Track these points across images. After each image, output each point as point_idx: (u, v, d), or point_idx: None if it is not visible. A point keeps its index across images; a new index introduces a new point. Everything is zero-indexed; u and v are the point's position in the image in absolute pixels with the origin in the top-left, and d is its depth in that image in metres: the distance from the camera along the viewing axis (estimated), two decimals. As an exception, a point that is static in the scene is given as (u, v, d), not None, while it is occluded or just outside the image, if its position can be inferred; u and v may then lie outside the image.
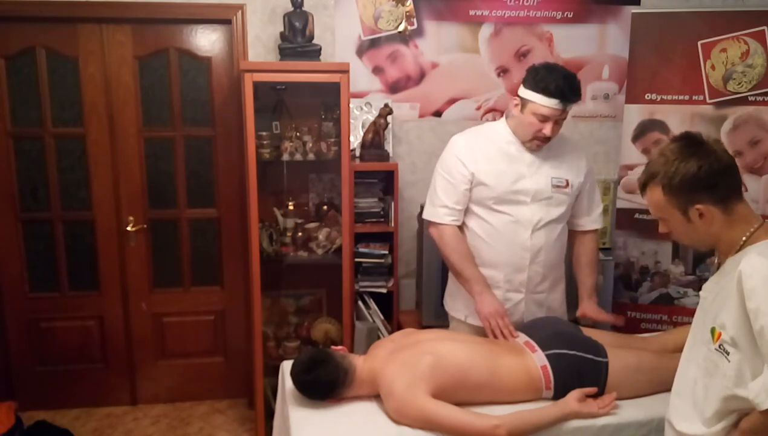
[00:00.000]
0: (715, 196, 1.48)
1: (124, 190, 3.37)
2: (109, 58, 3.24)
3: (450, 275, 2.50)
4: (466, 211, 2.38)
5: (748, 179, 3.24)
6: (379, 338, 3.15)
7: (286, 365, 2.23)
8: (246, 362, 3.45)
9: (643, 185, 1.57)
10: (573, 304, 2.49)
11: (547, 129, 2.21)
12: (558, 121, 2.23)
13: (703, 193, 1.47)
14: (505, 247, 2.33)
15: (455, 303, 2.49)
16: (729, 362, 1.44)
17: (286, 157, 3.10)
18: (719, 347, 1.47)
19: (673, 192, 1.50)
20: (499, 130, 2.37)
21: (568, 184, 2.35)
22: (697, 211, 1.48)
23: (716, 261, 1.61)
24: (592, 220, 2.49)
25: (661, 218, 1.57)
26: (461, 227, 2.39)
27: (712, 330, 1.49)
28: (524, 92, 2.23)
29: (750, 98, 3.21)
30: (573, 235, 2.49)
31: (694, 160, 1.47)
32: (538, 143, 2.28)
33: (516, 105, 2.27)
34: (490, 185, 2.29)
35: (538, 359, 2.05)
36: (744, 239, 1.49)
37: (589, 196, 2.47)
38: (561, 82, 2.16)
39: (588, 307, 2.40)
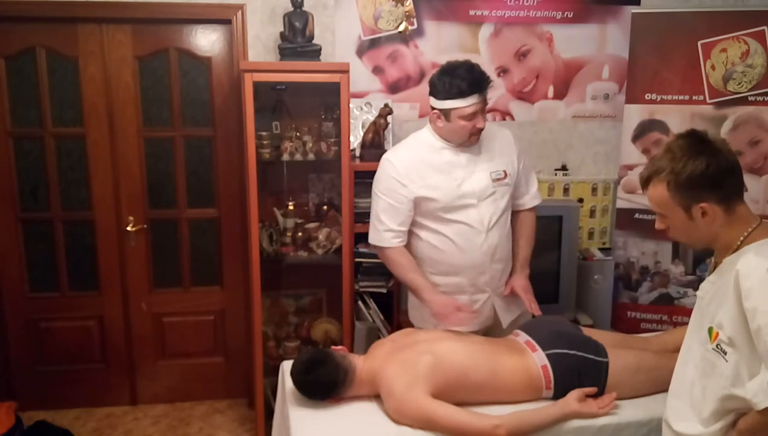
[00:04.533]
0: (720, 196, 1.47)
1: (124, 190, 3.37)
2: (109, 58, 3.24)
3: None
4: (416, 224, 2.37)
5: (748, 179, 3.19)
6: (379, 338, 3.15)
7: (286, 365, 2.23)
8: (246, 362, 3.45)
9: (647, 180, 1.56)
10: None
11: (479, 122, 2.24)
12: (483, 111, 2.24)
13: (708, 192, 1.47)
14: (464, 253, 2.34)
15: (422, 314, 2.48)
16: (726, 361, 1.44)
17: (286, 157, 3.10)
18: (716, 346, 1.46)
19: (678, 189, 1.49)
20: (427, 140, 2.35)
21: (506, 174, 2.37)
22: (701, 209, 1.48)
23: (713, 261, 1.61)
24: (531, 197, 2.52)
25: (662, 214, 1.56)
26: (411, 240, 2.40)
27: (710, 330, 1.49)
28: (441, 103, 2.22)
29: (750, 98, 3.21)
30: (515, 215, 2.51)
31: (702, 158, 1.46)
32: (476, 138, 2.30)
33: (438, 117, 2.26)
34: (435, 198, 2.29)
35: (538, 359, 2.05)
36: (741, 238, 1.49)
37: (525, 176, 2.50)
38: (469, 78, 2.17)
39: (518, 281, 2.43)
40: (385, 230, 2.34)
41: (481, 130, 2.27)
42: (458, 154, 2.32)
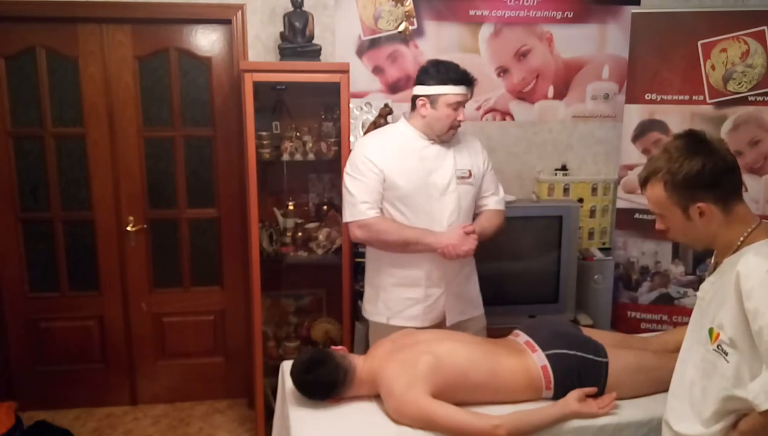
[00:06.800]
0: (717, 195, 1.47)
1: (124, 190, 3.37)
2: (109, 58, 3.24)
3: (366, 279, 2.58)
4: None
5: (748, 179, 3.24)
6: (379, 338, 3.15)
7: (286, 365, 2.23)
8: (246, 362, 3.45)
9: (645, 181, 1.56)
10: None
11: (461, 115, 2.34)
12: (464, 105, 2.37)
13: (705, 192, 1.47)
14: None
15: (375, 308, 2.51)
16: (727, 362, 1.44)
17: (286, 157, 3.10)
18: (717, 347, 1.46)
19: (675, 189, 1.49)
20: (402, 131, 2.43)
21: (470, 174, 2.44)
22: (698, 209, 1.48)
23: (713, 261, 1.61)
24: (498, 200, 2.56)
25: (660, 214, 1.57)
26: None
27: (710, 331, 1.49)
28: (431, 89, 2.32)
29: (750, 98, 3.21)
30: (481, 212, 2.53)
31: (698, 158, 1.46)
32: (453, 132, 2.39)
33: (423, 105, 2.34)
34: (401, 184, 2.34)
35: (538, 359, 2.06)
36: (741, 239, 1.49)
37: (494, 182, 2.57)
38: (461, 70, 2.33)
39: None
40: (361, 202, 2.35)
41: (460, 124, 2.37)
42: (429, 147, 2.39)
